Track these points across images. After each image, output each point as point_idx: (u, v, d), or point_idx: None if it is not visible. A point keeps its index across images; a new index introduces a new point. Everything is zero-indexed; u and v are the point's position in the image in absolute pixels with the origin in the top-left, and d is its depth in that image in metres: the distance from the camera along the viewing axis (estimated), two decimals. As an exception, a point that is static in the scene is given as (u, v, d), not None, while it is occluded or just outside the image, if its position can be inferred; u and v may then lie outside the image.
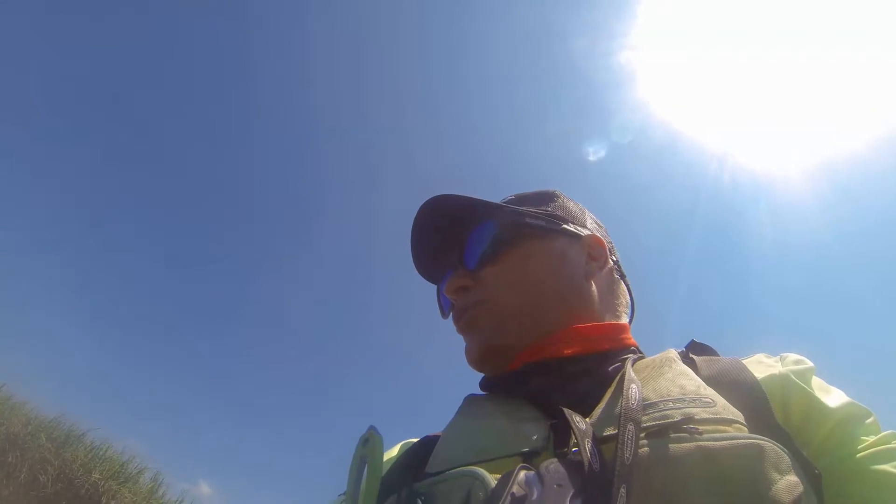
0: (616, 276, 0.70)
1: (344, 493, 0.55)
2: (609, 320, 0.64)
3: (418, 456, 0.53)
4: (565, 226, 0.66)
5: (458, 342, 0.67)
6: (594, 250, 0.67)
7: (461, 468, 0.43)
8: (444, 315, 0.72)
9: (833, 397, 0.49)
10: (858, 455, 0.44)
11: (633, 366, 0.50)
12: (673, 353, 0.55)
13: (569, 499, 0.34)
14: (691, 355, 0.55)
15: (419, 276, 0.74)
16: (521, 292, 0.61)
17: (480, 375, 0.65)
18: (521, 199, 0.70)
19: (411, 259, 0.72)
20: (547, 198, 0.70)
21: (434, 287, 0.75)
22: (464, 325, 0.63)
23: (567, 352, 0.55)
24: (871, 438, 0.44)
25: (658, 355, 0.55)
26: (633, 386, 0.43)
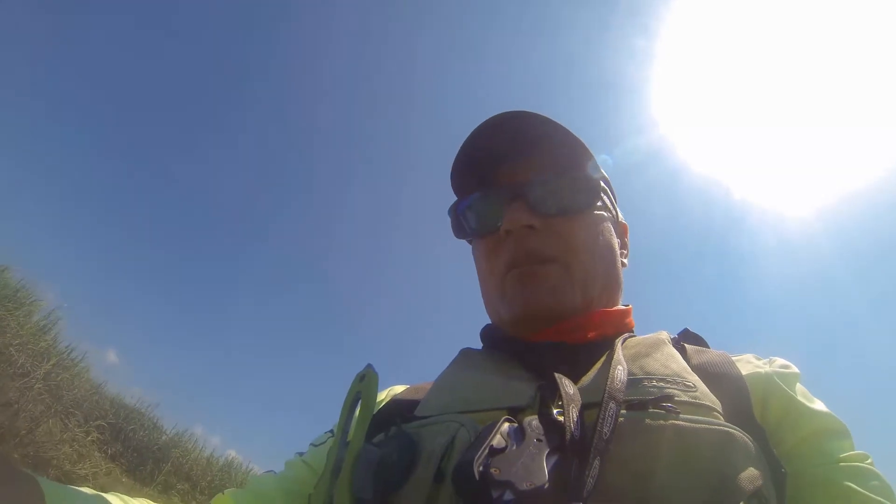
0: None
1: (331, 430, 0.60)
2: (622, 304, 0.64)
3: (408, 401, 0.55)
4: (615, 203, 0.65)
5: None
6: (625, 237, 0.68)
7: (449, 414, 0.45)
8: (465, 235, 0.66)
9: (813, 406, 0.49)
10: (830, 467, 0.44)
11: (623, 343, 0.51)
12: (665, 335, 0.55)
13: (545, 455, 0.35)
14: (683, 343, 0.55)
15: (455, 173, 0.62)
16: (591, 262, 0.58)
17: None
18: (583, 150, 0.60)
19: (460, 151, 0.61)
20: (595, 163, 0.62)
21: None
22: (523, 275, 0.56)
23: (590, 335, 0.55)
24: (845, 454, 0.45)
25: (650, 335, 0.55)
26: (620, 367, 0.43)
